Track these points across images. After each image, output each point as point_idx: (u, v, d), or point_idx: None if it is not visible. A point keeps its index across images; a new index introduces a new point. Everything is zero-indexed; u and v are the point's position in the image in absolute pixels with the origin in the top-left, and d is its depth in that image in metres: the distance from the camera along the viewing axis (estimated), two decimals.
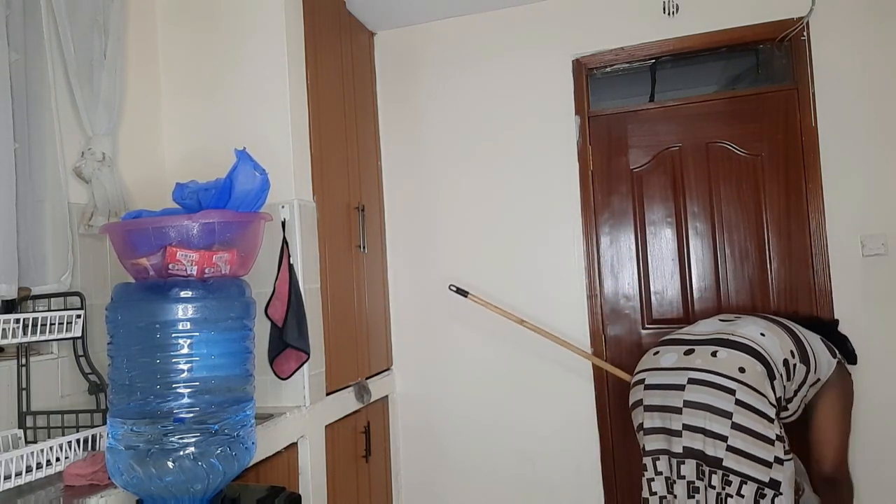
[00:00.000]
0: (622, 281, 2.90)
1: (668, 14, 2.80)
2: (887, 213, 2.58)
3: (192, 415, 1.40)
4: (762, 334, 2.03)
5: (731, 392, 1.89)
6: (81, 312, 1.76)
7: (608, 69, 2.99)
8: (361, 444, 2.68)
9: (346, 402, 2.54)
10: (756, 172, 2.75)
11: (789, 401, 2.03)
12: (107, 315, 1.50)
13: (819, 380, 2.05)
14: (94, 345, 1.90)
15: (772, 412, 1.88)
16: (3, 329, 1.53)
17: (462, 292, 2.74)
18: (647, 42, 2.84)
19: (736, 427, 1.87)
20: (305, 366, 2.19)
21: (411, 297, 3.09)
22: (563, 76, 2.92)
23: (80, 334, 1.77)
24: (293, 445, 2.17)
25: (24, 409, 1.74)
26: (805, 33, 2.67)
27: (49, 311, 1.75)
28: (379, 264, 3.03)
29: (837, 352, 2.11)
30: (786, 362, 1.99)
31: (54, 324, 1.69)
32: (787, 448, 1.89)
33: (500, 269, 2.96)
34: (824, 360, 2.07)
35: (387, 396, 3.00)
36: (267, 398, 2.23)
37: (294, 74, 2.34)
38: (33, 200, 1.84)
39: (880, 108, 2.60)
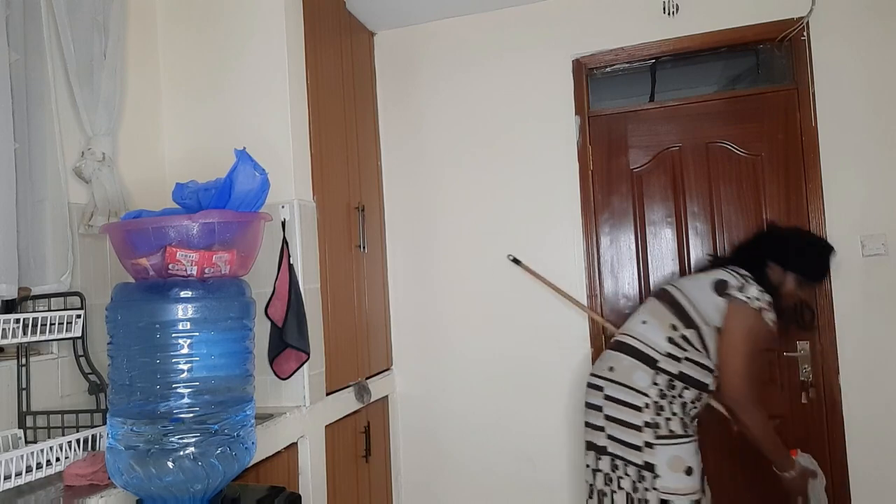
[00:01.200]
0: (622, 281, 2.90)
1: (668, 14, 2.80)
2: (887, 213, 2.58)
3: (192, 415, 1.40)
4: (644, 322, 2.22)
5: (600, 389, 2.20)
6: (81, 312, 1.76)
7: (608, 69, 2.99)
8: (361, 444, 2.68)
9: (346, 402, 2.54)
10: (756, 172, 2.75)
11: (706, 358, 2.13)
12: (107, 315, 1.50)
13: (717, 327, 2.11)
14: (94, 345, 1.90)
15: (641, 401, 2.10)
16: (3, 329, 1.53)
17: (517, 261, 2.88)
18: (647, 42, 2.84)
19: (608, 419, 2.15)
20: (305, 366, 2.19)
21: (411, 297, 3.09)
22: (563, 76, 2.92)
23: (80, 334, 1.77)
24: (293, 445, 2.17)
25: (24, 409, 1.74)
26: (805, 33, 2.67)
27: (49, 311, 1.75)
28: (379, 264, 3.03)
29: (731, 287, 2.10)
30: (671, 339, 2.13)
31: (54, 324, 1.69)
32: (662, 433, 2.07)
33: (500, 268, 2.96)
34: (710, 308, 2.13)
35: (387, 396, 3.00)
36: (267, 398, 2.23)
37: (294, 74, 2.34)
38: (33, 200, 1.84)
39: (880, 108, 2.60)
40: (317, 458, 2.28)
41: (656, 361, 2.12)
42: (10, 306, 1.75)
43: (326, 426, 2.38)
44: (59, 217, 1.88)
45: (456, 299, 3.02)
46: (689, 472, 2.06)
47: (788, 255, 2.19)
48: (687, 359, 2.11)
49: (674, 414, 2.09)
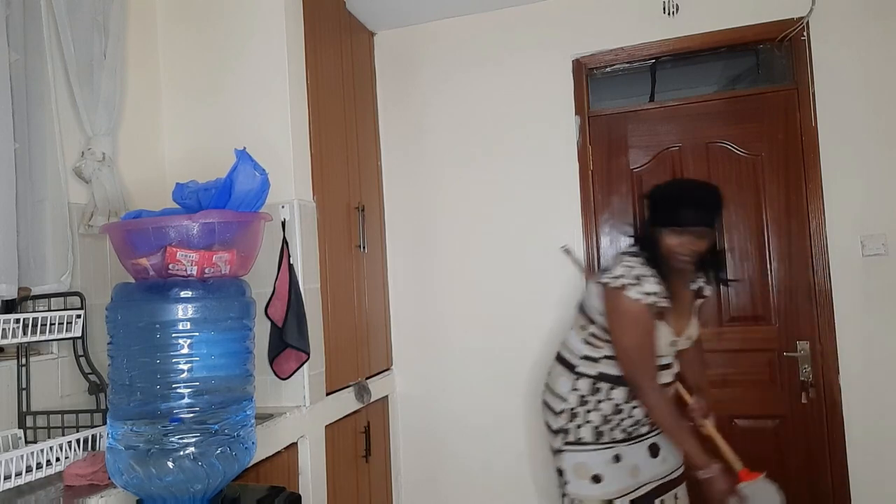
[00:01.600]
0: None
1: (668, 14, 2.80)
2: (887, 213, 2.57)
3: (192, 415, 1.40)
4: (571, 329, 2.20)
5: (542, 393, 2.22)
6: (81, 312, 1.76)
7: (608, 69, 2.98)
8: (361, 444, 2.68)
9: (346, 402, 2.54)
10: (756, 172, 2.75)
11: None
12: (107, 315, 1.50)
13: (605, 311, 2.04)
14: (94, 345, 1.90)
15: (560, 406, 2.10)
16: (3, 329, 1.53)
17: (568, 251, 2.78)
18: (647, 42, 2.84)
19: (545, 422, 2.19)
20: (305, 366, 2.19)
21: (411, 297, 3.09)
22: (563, 76, 2.92)
23: (80, 334, 1.77)
24: (293, 445, 2.17)
25: (24, 409, 1.74)
26: (805, 33, 2.67)
27: (49, 311, 1.75)
28: (379, 264, 3.03)
29: (603, 271, 2.06)
30: (585, 340, 2.11)
31: (54, 324, 1.69)
32: (569, 440, 2.06)
33: (500, 268, 2.96)
34: (594, 298, 2.08)
35: (387, 396, 3.00)
36: (267, 398, 2.23)
37: (294, 74, 2.34)
38: (33, 200, 1.84)
39: (880, 108, 2.59)
40: (317, 458, 2.28)
41: (575, 366, 2.10)
42: (10, 306, 1.75)
43: (326, 426, 2.38)
44: (59, 217, 1.88)
45: (456, 299, 3.02)
46: (596, 479, 2.02)
47: (651, 211, 2.04)
48: (606, 357, 2.06)
49: (587, 422, 2.05)
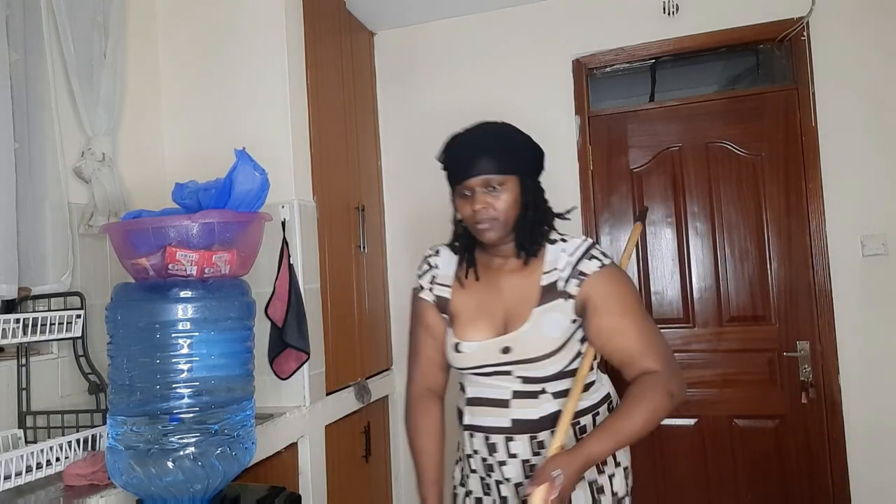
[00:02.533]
0: None
1: (668, 14, 2.79)
2: (887, 213, 2.57)
3: (191, 415, 1.40)
4: None
5: None
6: (81, 312, 1.76)
7: (608, 69, 2.98)
8: (361, 444, 2.68)
9: (346, 402, 2.54)
10: (756, 172, 2.75)
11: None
12: (107, 315, 1.49)
13: None
14: (94, 345, 1.90)
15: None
16: (3, 329, 1.53)
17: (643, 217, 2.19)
18: (647, 42, 2.84)
19: None
20: (305, 366, 2.19)
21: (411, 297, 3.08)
22: (563, 76, 2.92)
23: (80, 334, 1.77)
24: (293, 445, 2.17)
25: (24, 409, 1.74)
26: (805, 33, 2.67)
27: (49, 311, 1.75)
28: (379, 264, 3.03)
29: None
30: None
31: (54, 324, 1.69)
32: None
33: None
34: None
35: (387, 396, 3.00)
36: (267, 398, 2.23)
37: (294, 74, 2.34)
38: (33, 200, 1.84)
39: (880, 108, 2.59)
40: (317, 458, 2.28)
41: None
42: (10, 306, 1.75)
43: (326, 426, 2.38)
44: (59, 217, 1.88)
45: None
46: None
47: None
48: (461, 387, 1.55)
49: (468, 464, 1.52)
